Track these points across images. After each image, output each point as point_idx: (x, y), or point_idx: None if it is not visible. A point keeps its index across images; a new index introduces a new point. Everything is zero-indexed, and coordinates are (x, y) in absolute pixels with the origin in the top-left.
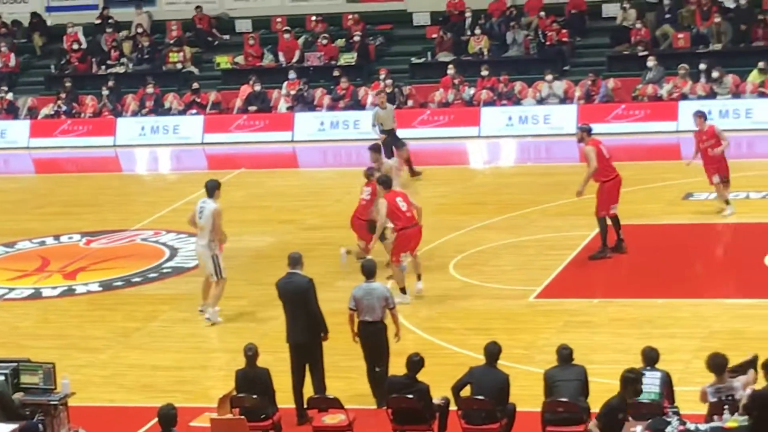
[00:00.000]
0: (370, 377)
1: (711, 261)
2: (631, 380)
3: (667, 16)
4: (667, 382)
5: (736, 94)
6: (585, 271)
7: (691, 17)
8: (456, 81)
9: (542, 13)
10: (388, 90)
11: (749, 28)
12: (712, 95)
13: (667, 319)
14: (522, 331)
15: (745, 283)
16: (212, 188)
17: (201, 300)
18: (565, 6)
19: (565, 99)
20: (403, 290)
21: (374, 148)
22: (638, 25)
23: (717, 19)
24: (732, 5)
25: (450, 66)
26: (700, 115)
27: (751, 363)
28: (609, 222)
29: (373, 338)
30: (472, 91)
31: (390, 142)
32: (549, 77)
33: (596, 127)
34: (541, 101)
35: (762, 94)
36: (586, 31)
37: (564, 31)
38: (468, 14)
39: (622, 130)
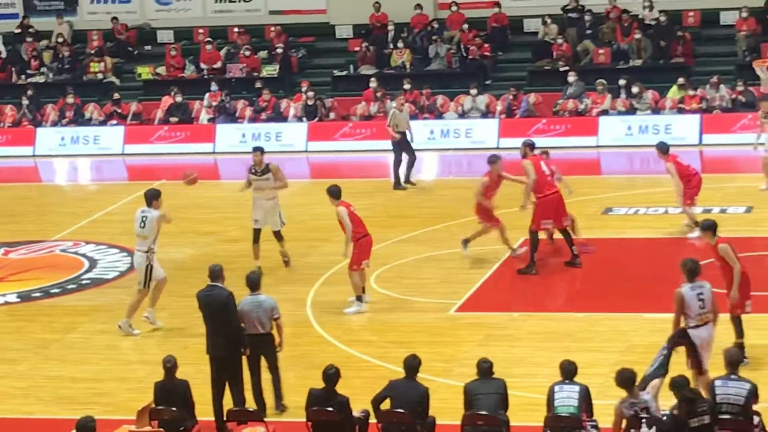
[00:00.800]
0: (257, 389)
1: (630, 275)
2: (689, 400)
3: (588, 31)
4: (585, 396)
5: (656, 109)
6: (506, 285)
7: (612, 33)
8: (378, 94)
9: (465, 27)
10: (310, 102)
11: (669, 44)
12: (632, 111)
13: (587, 333)
14: (442, 344)
15: (664, 297)
16: (151, 197)
17: (147, 306)
18: (487, 20)
19: (487, 113)
20: (359, 298)
21: (258, 149)
22: (559, 41)
23: (637, 36)
24: (652, 22)
25: (372, 79)
26: (658, 148)
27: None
28: (567, 234)
29: (264, 349)
30: (394, 104)
31: (403, 143)
32: (473, 91)
33: (516, 142)
34: (462, 115)
35: (681, 110)
36: (507, 46)
37: (486, 45)
38: (390, 27)
39: (543, 144)
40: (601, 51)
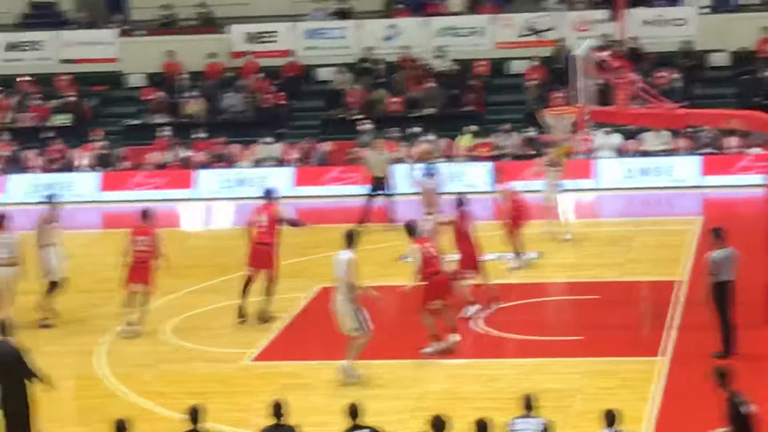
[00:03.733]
0: None
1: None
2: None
3: (382, 80)
4: None
5: (449, 157)
6: (303, 334)
7: (404, 82)
8: (172, 143)
9: (259, 76)
10: (103, 152)
11: (460, 92)
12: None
13: (382, 380)
14: (239, 394)
15: (458, 343)
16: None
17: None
18: (281, 69)
19: (282, 161)
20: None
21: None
22: (353, 89)
23: (429, 84)
24: (444, 71)
25: (165, 128)
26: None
27: None
28: None
29: None
30: (188, 153)
31: (378, 186)
32: (267, 139)
33: (311, 190)
34: (257, 164)
35: (473, 158)
36: (302, 94)
37: (280, 93)
38: (184, 76)
39: (337, 192)
40: (394, 99)
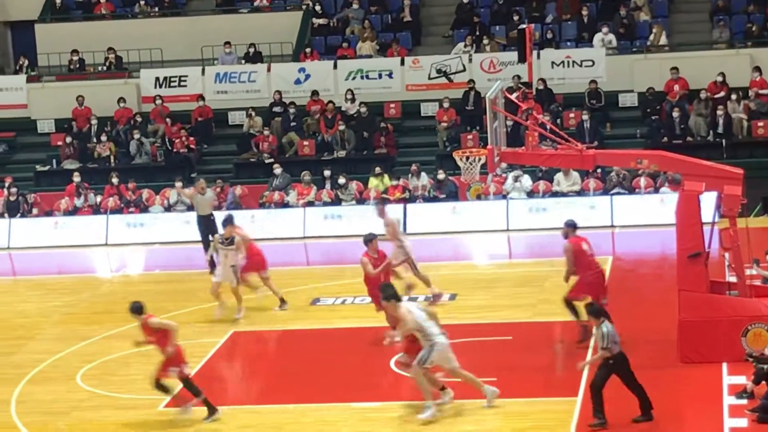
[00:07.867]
0: None
1: (339, 365)
2: None
3: (293, 123)
4: None
5: (361, 200)
6: (215, 379)
7: (316, 125)
8: (82, 188)
9: (169, 120)
10: (12, 198)
11: (371, 135)
12: (337, 202)
13: (295, 425)
14: None
15: (371, 386)
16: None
17: None
18: (192, 113)
19: (193, 206)
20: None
21: None
22: (265, 133)
23: (341, 127)
24: (355, 113)
25: (76, 173)
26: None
27: None
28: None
29: None
30: (99, 198)
31: (204, 226)
32: (178, 184)
33: None
34: (169, 208)
35: (385, 200)
36: (212, 139)
37: (191, 138)
38: (94, 121)
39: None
40: (305, 143)
